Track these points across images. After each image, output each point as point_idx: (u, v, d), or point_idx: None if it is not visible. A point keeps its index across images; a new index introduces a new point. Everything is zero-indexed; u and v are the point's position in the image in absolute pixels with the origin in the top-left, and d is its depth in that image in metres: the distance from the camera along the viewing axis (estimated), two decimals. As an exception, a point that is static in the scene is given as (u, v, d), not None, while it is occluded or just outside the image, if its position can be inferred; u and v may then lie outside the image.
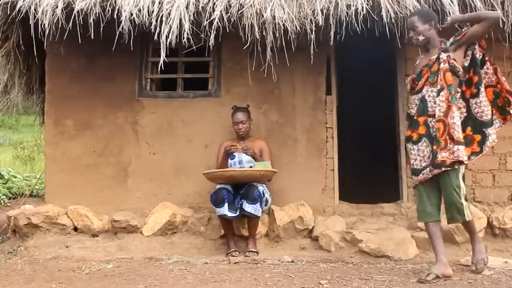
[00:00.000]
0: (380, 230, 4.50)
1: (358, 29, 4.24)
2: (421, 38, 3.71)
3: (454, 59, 3.60)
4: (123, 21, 4.27)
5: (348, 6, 4.23)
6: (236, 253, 4.37)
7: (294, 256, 4.32)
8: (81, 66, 5.15)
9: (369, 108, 6.66)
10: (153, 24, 4.28)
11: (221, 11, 4.25)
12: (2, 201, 7.39)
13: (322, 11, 4.24)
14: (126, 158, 5.06)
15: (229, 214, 4.35)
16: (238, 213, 4.37)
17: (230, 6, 4.28)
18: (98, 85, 5.13)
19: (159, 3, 4.34)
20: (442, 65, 3.59)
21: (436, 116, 3.54)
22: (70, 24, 4.35)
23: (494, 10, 4.22)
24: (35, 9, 4.38)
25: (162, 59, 4.21)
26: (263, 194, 4.43)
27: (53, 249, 4.58)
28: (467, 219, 3.60)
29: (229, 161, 4.66)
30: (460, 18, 3.79)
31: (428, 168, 3.61)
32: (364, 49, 5.31)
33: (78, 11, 4.29)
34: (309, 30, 4.27)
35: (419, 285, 3.47)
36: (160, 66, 4.29)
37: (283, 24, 4.24)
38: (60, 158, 5.10)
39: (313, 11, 4.27)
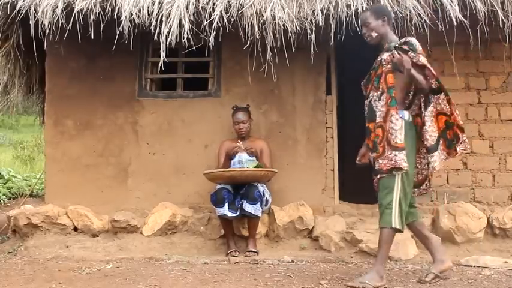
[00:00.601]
0: (380, 230, 4.49)
1: (358, 29, 4.23)
2: (374, 34, 3.49)
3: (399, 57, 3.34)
4: (123, 21, 4.27)
5: (348, 6, 4.23)
6: (236, 253, 4.37)
7: (294, 256, 4.32)
8: (81, 66, 5.15)
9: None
10: (153, 24, 4.28)
11: (221, 11, 4.25)
12: (2, 201, 7.39)
13: (322, 11, 4.24)
14: (126, 158, 5.06)
15: (230, 214, 4.35)
16: (238, 213, 4.37)
17: (230, 6, 4.28)
18: (97, 85, 5.13)
19: (159, 3, 4.34)
20: (384, 67, 3.42)
21: (376, 122, 3.41)
22: (70, 24, 4.34)
23: (494, 10, 4.23)
24: (35, 9, 4.38)
25: (162, 59, 4.21)
26: (263, 194, 4.43)
27: (53, 249, 4.59)
28: (393, 226, 3.31)
29: (229, 161, 4.66)
30: (409, 70, 3.32)
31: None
32: (364, 49, 5.30)
33: (78, 11, 4.28)
34: (309, 30, 4.27)
35: (419, 285, 3.47)
36: (160, 66, 4.29)
37: (283, 24, 4.23)
38: (60, 158, 5.10)
39: (313, 11, 4.27)
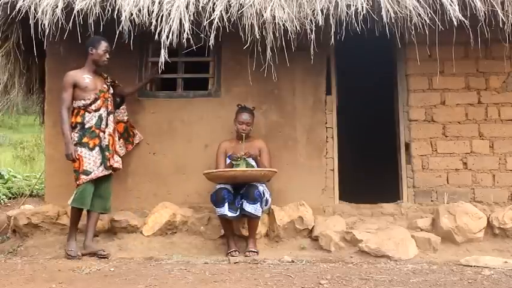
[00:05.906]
0: (380, 230, 4.50)
1: (358, 29, 4.24)
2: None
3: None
4: (123, 21, 4.27)
5: (348, 6, 4.23)
6: (236, 253, 4.37)
7: (294, 256, 4.32)
8: (81, 66, 5.13)
9: (369, 108, 6.66)
10: (153, 24, 4.29)
11: (221, 11, 4.25)
12: (2, 201, 7.37)
13: (322, 11, 4.24)
14: (126, 158, 5.05)
15: (230, 214, 4.35)
16: (238, 213, 4.37)
17: (230, 6, 4.28)
18: (98, 85, 5.12)
19: (159, 3, 4.34)
20: (110, 94, 4.68)
21: (106, 132, 4.55)
22: (70, 24, 4.35)
23: (494, 10, 4.23)
24: (35, 9, 4.38)
25: (162, 59, 4.21)
26: (263, 194, 4.42)
27: (53, 249, 4.59)
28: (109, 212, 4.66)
29: (228, 161, 4.66)
30: None
31: (100, 169, 4.49)
32: (364, 49, 5.31)
33: (78, 11, 4.29)
34: (309, 30, 4.27)
35: (419, 285, 3.47)
36: (160, 66, 4.28)
37: (283, 24, 4.24)
38: (60, 158, 5.07)
39: (313, 11, 4.27)
